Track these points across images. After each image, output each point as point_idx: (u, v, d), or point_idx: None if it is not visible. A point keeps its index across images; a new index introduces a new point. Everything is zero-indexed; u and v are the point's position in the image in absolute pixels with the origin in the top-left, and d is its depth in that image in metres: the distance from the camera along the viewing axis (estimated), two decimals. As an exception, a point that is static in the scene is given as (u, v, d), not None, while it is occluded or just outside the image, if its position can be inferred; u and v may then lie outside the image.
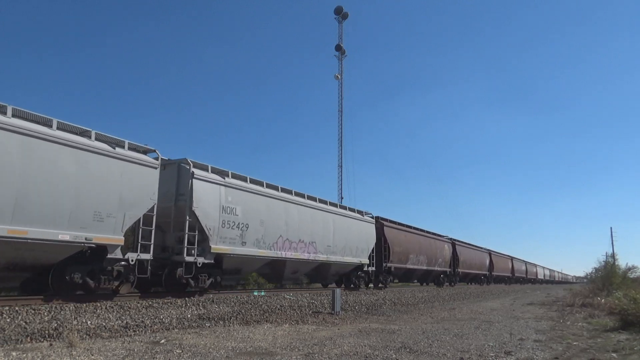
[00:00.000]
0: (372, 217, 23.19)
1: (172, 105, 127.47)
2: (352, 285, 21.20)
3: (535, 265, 78.27)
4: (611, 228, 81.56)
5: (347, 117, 49.82)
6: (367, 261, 21.69)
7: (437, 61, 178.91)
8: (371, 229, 22.46)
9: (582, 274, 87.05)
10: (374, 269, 22.65)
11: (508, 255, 57.73)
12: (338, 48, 46.02)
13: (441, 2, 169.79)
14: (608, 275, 29.68)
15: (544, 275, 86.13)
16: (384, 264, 23.60)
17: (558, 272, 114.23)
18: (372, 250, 22.34)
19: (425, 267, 29.33)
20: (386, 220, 24.82)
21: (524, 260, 68.53)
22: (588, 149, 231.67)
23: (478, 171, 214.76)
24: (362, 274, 21.90)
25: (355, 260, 20.61)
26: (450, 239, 35.89)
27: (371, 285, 23.52)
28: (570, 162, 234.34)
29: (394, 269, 24.87)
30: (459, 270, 36.00)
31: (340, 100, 45.07)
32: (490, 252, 46.75)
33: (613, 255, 34.87)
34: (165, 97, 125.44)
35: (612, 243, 61.62)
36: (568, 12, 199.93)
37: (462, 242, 38.36)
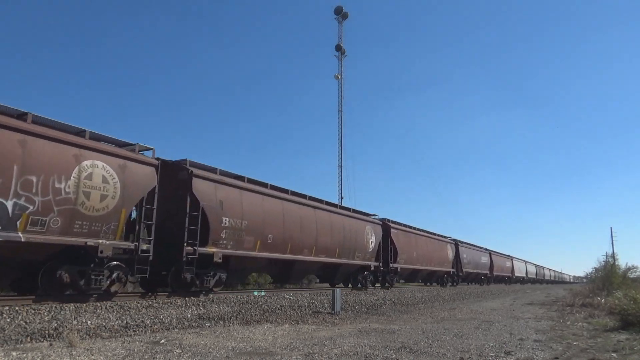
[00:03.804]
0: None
1: (172, 105, 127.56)
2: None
3: (511, 259, 56.05)
4: (611, 228, 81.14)
5: (346, 116, 49.60)
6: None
7: (436, 60, 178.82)
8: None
9: (582, 274, 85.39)
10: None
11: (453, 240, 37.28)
12: (338, 48, 46.00)
13: (440, 2, 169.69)
14: (608, 275, 29.71)
15: (526, 273, 64.64)
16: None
17: (550, 269, 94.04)
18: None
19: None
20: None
21: (487, 250, 45.59)
22: (588, 148, 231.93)
23: (478, 170, 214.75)
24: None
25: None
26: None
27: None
28: (570, 162, 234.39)
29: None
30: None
31: (340, 100, 45.07)
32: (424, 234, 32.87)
33: (613, 255, 34.89)
34: (164, 96, 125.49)
35: (612, 243, 61.49)
36: (564, 6, 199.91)
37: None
